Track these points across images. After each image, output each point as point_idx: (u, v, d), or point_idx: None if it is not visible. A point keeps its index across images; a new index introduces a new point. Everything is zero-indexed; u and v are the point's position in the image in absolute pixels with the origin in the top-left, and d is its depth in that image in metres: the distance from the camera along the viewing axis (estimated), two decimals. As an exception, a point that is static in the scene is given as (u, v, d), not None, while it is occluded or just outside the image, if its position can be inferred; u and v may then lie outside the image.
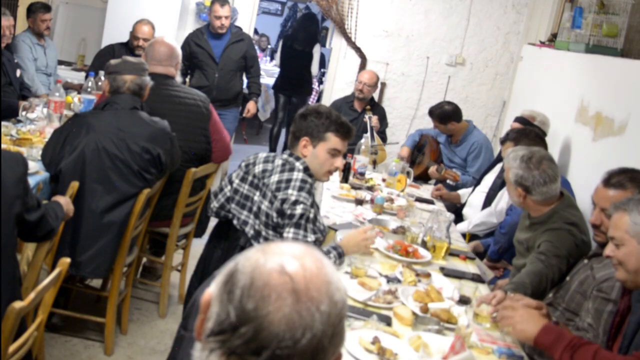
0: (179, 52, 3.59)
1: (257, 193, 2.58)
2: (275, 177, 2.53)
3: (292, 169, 2.55)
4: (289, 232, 2.46)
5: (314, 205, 2.57)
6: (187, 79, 5.38)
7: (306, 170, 2.57)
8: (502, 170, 3.82)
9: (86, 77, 4.53)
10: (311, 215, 2.50)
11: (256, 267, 0.89)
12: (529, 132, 3.47)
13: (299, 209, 2.45)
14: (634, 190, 2.23)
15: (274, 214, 2.50)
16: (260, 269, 0.88)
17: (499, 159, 4.05)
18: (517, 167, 2.75)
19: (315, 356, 0.87)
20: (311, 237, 2.48)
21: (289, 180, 2.50)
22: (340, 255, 2.55)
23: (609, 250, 1.98)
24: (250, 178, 2.62)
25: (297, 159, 2.58)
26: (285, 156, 2.61)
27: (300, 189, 2.49)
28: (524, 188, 2.72)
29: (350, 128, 2.61)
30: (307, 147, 2.58)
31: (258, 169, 2.61)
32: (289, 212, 2.45)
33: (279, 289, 0.87)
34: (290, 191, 2.48)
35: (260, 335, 0.85)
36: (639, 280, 1.91)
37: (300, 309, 0.86)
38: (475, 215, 3.78)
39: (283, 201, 2.47)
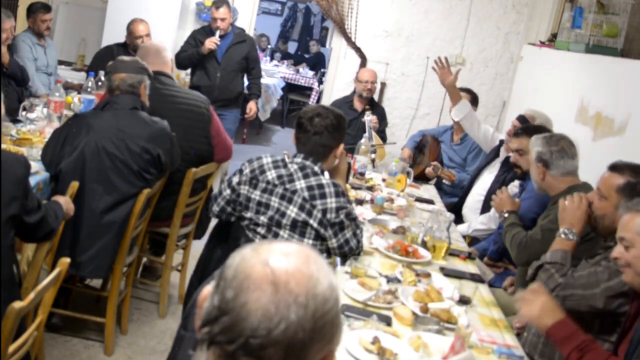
0: (166, 47, 3.64)
1: (274, 199, 2.49)
2: (301, 183, 2.47)
3: (315, 173, 2.50)
4: (343, 235, 2.47)
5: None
6: (188, 79, 5.38)
7: (322, 172, 2.53)
8: (501, 173, 3.82)
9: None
10: (354, 212, 2.56)
11: (242, 261, 0.92)
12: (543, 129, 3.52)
13: (342, 215, 2.46)
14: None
15: (314, 223, 2.44)
16: (246, 262, 0.91)
17: (497, 153, 4.04)
18: (538, 145, 2.89)
19: (292, 349, 0.87)
20: (359, 228, 2.56)
21: (320, 186, 2.46)
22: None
23: (616, 252, 1.94)
24: (263, 185, 2.52)
25: (315, 162, 2.52)
26: (299, 160, 2.52)
27: (337, 194, 2.46)
28: (544, 163, 2.84)
29: None
30: (337, 154, 2.58)
31: (271, 175, 2.51)
32: (334, 220, 2.44)
33: (258, 281, 0.88)
34: (328, 200, 2.44)
35: (237, 324, 0.87)
36: None
37: (278, 301, 0.87)
38: (476, 218, 3.78)
39: (324, 212, 2.44)
